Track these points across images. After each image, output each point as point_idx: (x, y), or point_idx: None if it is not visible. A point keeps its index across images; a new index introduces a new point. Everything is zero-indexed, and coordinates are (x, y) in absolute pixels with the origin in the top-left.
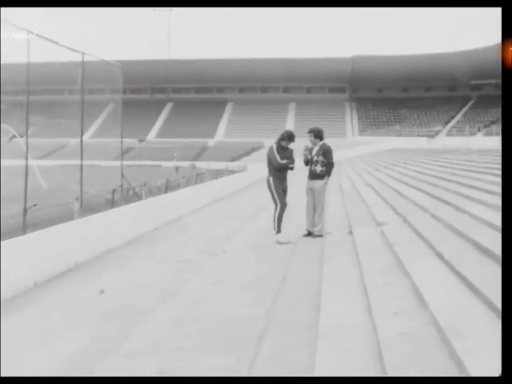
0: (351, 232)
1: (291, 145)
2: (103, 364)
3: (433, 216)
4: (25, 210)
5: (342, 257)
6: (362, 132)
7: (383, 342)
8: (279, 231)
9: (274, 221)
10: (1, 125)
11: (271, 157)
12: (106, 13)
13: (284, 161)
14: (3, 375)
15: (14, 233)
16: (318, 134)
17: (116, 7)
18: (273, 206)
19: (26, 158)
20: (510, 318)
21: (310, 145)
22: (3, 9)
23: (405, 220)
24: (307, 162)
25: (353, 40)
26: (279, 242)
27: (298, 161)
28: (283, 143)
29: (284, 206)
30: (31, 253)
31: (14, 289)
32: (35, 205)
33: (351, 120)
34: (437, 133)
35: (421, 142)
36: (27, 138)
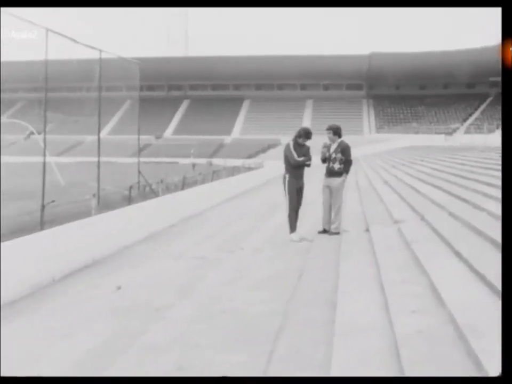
0: (368, 230)
1: (308, 142)
2: (119, 360)
3: (451, 214)
4: (43, 206)
5: (358, 255)
6: (379, 129)
7: (400, 340)
8: (292, 230)
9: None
10: (20, 122)
11: (288, 154)
12: (123, 9)
13: (301, 159)
14: (3, 374)
15: (32, 229)
16: (336, 131)
17: (117, 7)
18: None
19: (44, 155)
20: (510, 318)
21: (328, 142)
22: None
23: (422, 218)
24: (325, 159)
25: (354, 40)
26: (292, 241)
27: (315, 158)
28: (300, 140)
29: (293, 206)
30: (49, 249)
31: (32, 285)
32: (53, 201)
33: (368, 117)
34: (454, 130)
35: (438, 140)
36: (45, 135)
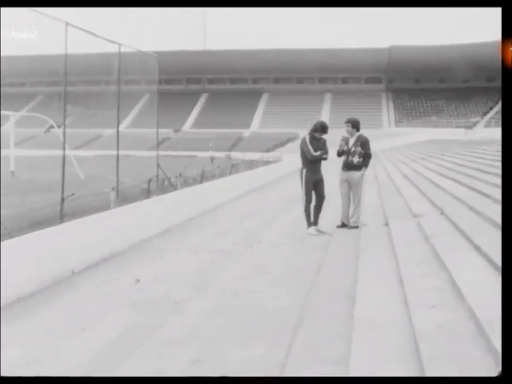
0: (387, 224)
1: (325, 136)
2: (137, 353)
3: (471, 208)
4: (62, 199)
5: (378, 249)
6: (398, 122)
7: (420, 334)
8: (309, 224)
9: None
10: (40, 115)
11: (304, 148)
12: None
13: (318, 153)
14: (3, 374)
15: (52, 222)
16: (355, 124)
17: (117, 7)
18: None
19: (64, 148)
20: (510, 318)
21: (346, 135)
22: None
23: (442, 212)
24: (342, 153)
25: (372, 32)
26: (310, 235)
27: (331, 152)
28: (316, 134)
29: (309, 200)
30: (68, 242)
31: (51, 278)
32: (72, 194)
33: (387, 111)
34: (475, 124)
35: (458, 133)
36: (64, 128)
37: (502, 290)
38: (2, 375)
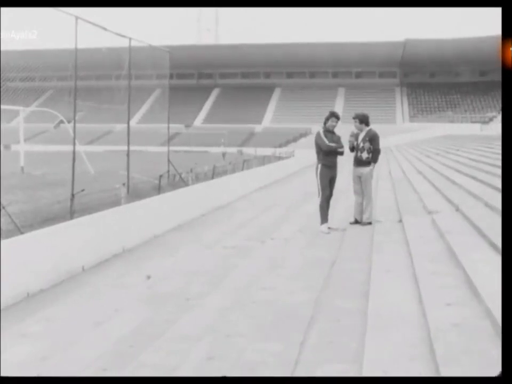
0: (401, 220)
1: (339, 132)
2: (150, 349)
3: (487, 204)
4: (72, 195)
5: (392, 245)
6: (413, 117)
7: (435, 333)
8: (323, 221)
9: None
10: (50, 110)
11: (319, 142)
12: None
13: (333, 144)
14: (3, 374)
15: (62, 218)
16: (363, 119)
17: (118, 7)
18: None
19: (74, 144)
20: (510, 318)
21: (355, 131)
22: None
23: (457, 209)
24: (353, 148)
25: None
26: (321, 232)
27: (346, 148)
28: (328, 123)
29: (324, 197)
30: (79, 238)
31: (61, 275)
32: (83, 190)
33: (401, 106)
34: (491, 119)
35: (474, 128)
36: (75, 123)
37: (502, 290)
38: (2, 375)
